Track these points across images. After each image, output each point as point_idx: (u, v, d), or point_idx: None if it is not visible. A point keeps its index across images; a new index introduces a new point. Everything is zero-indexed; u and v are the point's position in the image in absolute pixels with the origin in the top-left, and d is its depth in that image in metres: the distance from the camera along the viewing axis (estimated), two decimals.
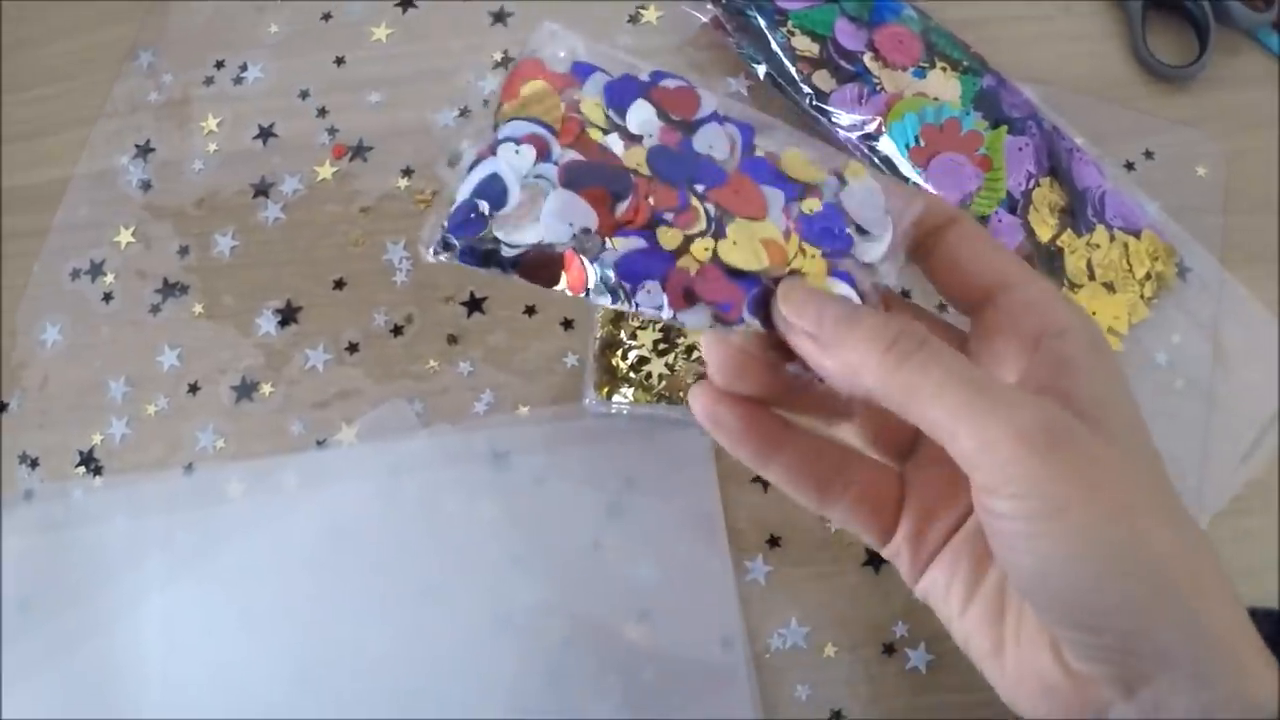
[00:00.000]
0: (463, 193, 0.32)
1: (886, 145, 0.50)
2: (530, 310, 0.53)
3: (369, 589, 0.51)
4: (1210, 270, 0.52)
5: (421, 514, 0.51)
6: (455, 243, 0.32)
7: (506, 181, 0.32)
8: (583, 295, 0.32)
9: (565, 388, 0.52)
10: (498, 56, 0.58)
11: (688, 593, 0.50)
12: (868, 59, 0.51)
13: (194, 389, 0.53)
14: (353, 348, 0.53)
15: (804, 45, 0.51)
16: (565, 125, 0.33)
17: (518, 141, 0.32)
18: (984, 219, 0.49)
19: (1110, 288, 0.50)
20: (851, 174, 0.32)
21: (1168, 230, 0.52)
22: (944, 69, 0.51)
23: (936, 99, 0.50)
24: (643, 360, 0.50)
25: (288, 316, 0.54)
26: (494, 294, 0.53)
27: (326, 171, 0.56)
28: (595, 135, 0.33)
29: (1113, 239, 0.51)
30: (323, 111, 0.57)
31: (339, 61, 0.58)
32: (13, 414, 0.54)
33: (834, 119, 0.51)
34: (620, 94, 0.33)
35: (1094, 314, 0.50)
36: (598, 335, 0.51)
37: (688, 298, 0.31)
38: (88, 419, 0.53)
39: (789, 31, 0.51)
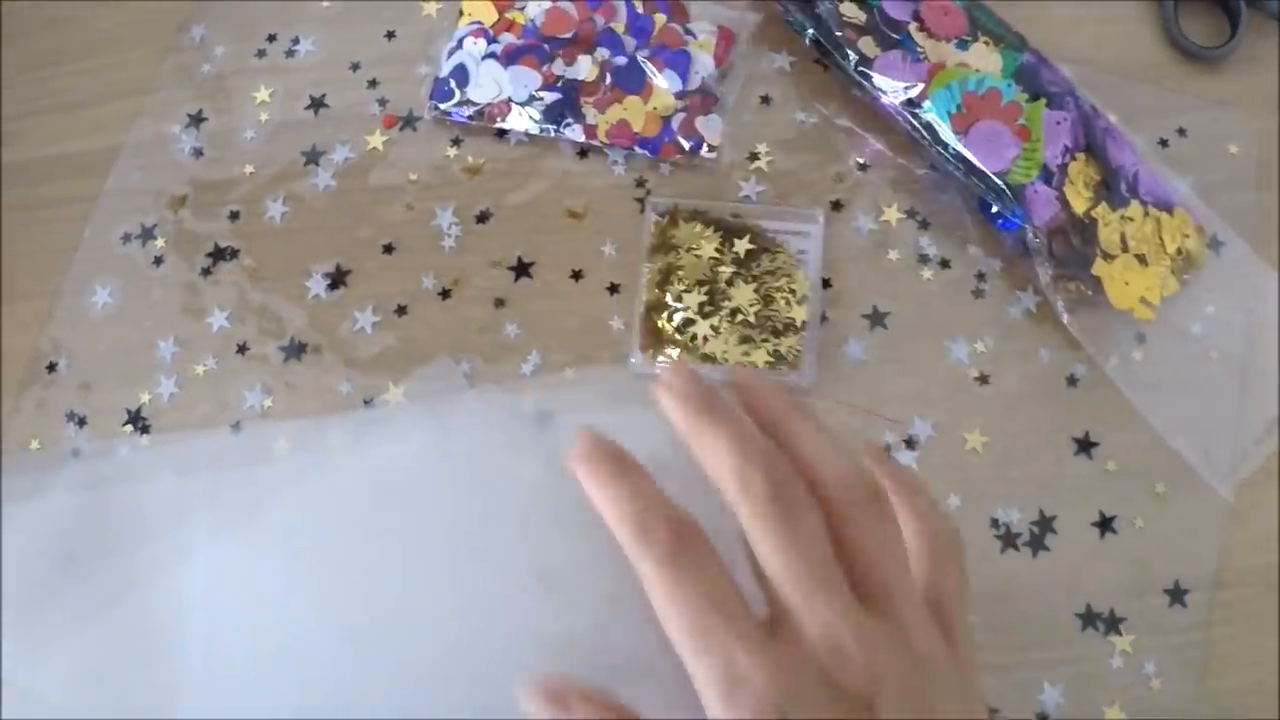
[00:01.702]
0: (441, 73, 0.57)
1: (928, 111, 0.51)
2: (576, 275, 0.54)
3: (414, 546, 0.51)
4: (1241, 247, 0.53)
5: (467, 472, 0.52)
6: (439, 106, 0.56)
7: (468, 68, 0.56)
8: (523, 133, 0.56)
9: (610, 350, 0.53)
10: None
11: (730, 548, 0.50)
12: (913, 28, 0.53)
13: (242, 349, 0.54)
14: (401, 310, 0.54)
15: (851, 13, 0.53)
16: (498, 23, 0.57)
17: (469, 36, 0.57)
18: (1021, 187, 0.50)
19: (1143, 260, 0.51)
20: None
21: (1198, 209, 0.53)
22: (986, 43, 0.53)
23: (978, 70, 0.52)
24: (688, 322, 0.51)
25: (337, 280, 0.55)
26: (541, 259, 0.54)
27: (377, 141, 0.57)
28: (518, 16, 0.57)
29: (1146, 214, 0.52)
30: (373, 83, 0.58)
31: (389, 35, 0.59)
32: (60, 374, 0.55)
33: (877, 84, 0.52)
34: None
35: (1127, 284, 0.51)
36: (644, 299, 0.52)
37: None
38: (136, 379, 0.54)
39: None
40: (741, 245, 0.52)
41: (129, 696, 0.50)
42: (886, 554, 0.33)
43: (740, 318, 0.51)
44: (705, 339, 0.51)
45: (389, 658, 0.50)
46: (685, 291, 0.52)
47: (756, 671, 0.31)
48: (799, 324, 0.51)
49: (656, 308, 0.52)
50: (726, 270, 0.52)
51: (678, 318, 0.51)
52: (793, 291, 0.52)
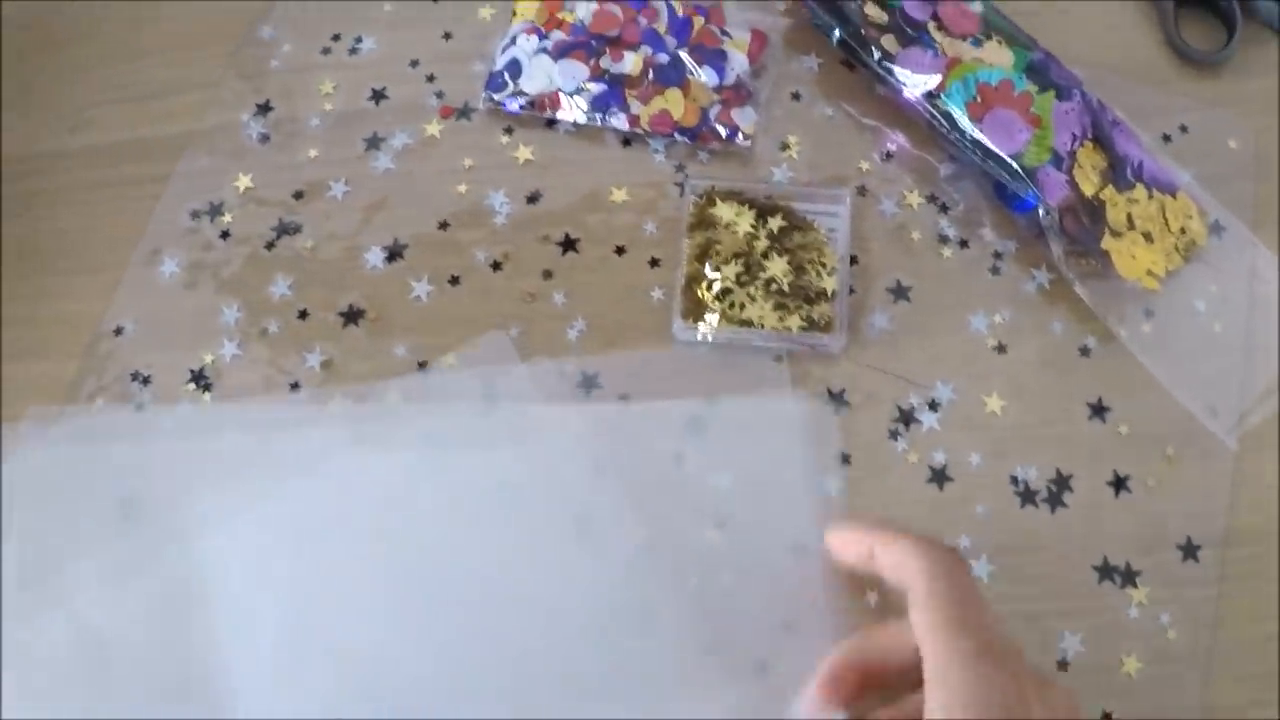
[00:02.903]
0: (496, 66, 0.61)
1: (947, 102, 0.56)
2: (620, 250, 0.58)
3: (460, 498, 0.53)
4: (1241, 230, 0.57)
5: (512, 429, 0.54)
6: (493, 96, 0.60)
7: (521, 61, 0.60)
8: (571, 123, 0.60)
9: (652, 319, 0.56)
10: None
11: (764, 502, 0.53)
12: (931, 27, 0.57)
13: (303, 315, 0.57)
14: (454, 280, 0.58)
15: (874, 13, 0.58)
16: (548, 22, 0.62)
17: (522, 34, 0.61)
18: (1034, 170, 0.54)
19: (1148, 237, 0.55)
20: None
21: (1200, 196, 0.58)
22: (999, 41, 0.57)
23: (992, 65, 0.56)
24: (726, 291, 0.55)
25: (394, 252, 0.58)
26: (586, 235, 0.58)
27: (434, 129, 0.61)
28: (568, 16, 0.62)
29: (1151, 197, 0.56)
30: (431, 78, 0.63)
31: (447, 36, 0.64)
32: (127, 336, 0.58)
33: (899, 77, 0.57)
34: None
35: (1134, 259, 0.54)
36: (684, 272, 0.56)
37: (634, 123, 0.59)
38: (200, 341, 0.57)
39: (862, 1, 0.58)
40: (775, 222, 0.56)
41: (175, 639, 0.52)
42: None
43: (775, 286, 0.55)
44: (742, 305, 0.54)
45: (431, 603, 0.53)
46: (723, 264, 0.55)
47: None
48: (830, 293, 0.55)
49: (696, 279, 0.55)
50: (762, 244, 0.55)
51: (716, 287, 0.55)
52: (823, 264, 0.55)
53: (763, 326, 0.54)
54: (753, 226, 0.56)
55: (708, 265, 0.55)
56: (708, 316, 0.54)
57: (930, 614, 0.37)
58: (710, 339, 0.55)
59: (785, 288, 0.55)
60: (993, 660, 0.35)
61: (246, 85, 0.64)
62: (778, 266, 0.55)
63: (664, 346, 0.56)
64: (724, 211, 0.56)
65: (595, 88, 0.59)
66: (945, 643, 0.36)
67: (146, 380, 0.57)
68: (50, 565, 0.53)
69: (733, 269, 0.55)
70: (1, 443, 0.55)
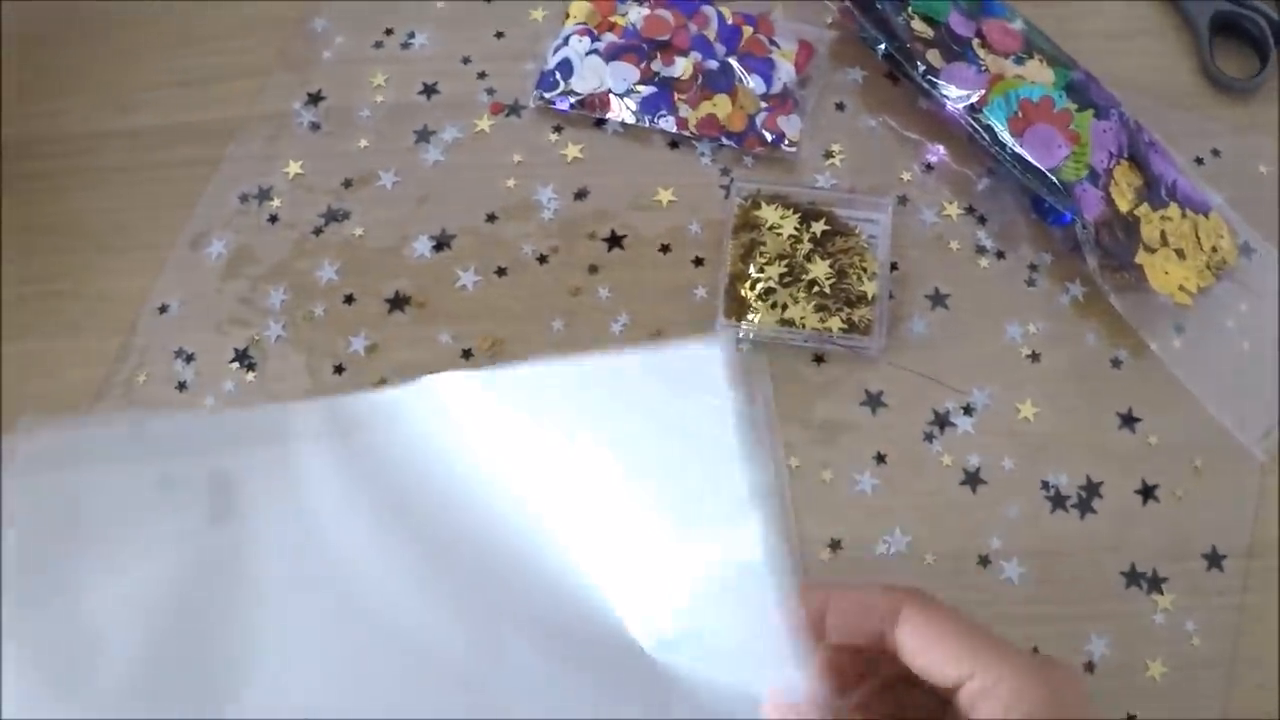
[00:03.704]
0: (548, 66, 0.62)
1: (988, 116, 0.57)
2: (664, 248, 0.59)
3: (498, 477, 0.53)
4: (1269, 253, 0.59)
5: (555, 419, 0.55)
6: (544, 95, 0.62)
7: (573, 62, 0.62)
8: (619, 123, 0.62)
9: (693, 314, 0.57)
10: None
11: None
12: (975, 44, 0.59)
13: (349, 300, 0.58)
14: (501, 271, 0.59)
15: (921, 28, 0.59)
16: (600, 24, 0.63)
17: (575, 35, 0.63)
18: (1071, 185, 0.56)
19: (1181, 254, 0.57)
20: None
21: (1231, 218, 0.59)
22: (1040, 60, 0.59)
23: (1033, 82, 0.58)
24: (769, 291, 0.56)
25: (442, 242, 0.59)
26: (632, 233, 0.59)
27: (484, 124, 0.63)
28: (620, 19, 0.63)
29: (1184, 216, 0.58)
30: (482, 75, 0.64)
31: (499, 35, 0.65)
32: (172, 315, 0.59)
33: (943, 91, 0.58)
34: None
35: (1167, 274, 0.56)
36: (728, 271, 0.57)
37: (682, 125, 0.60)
38: (245, 321, 0.58)
39: (909, 15, 0.59)
40: (818, 227, 0.57)
41: (214, 620, 0.52)
42: None
43: (817, 289, 0.56)
44: (785, 306, 0.56)
45: (463, 580, 0.52)
46: (767, 264, 0.56)
47: None
48: (870, 297, 0.56)
49: (740, 279, 0.56)
50: (805, 247, 0.57)
51: (759, 287, 0.56)
52: (864, 268, 0.56)
53: (804, 327, 0.55)
54: (796, 230, 0.57)
55: (752, 265, 0.56)
56: (750, 315, 0.56)
57: (957, 635, 0.34)
58: (752, 336, 0.56)
59: (826, 290, 0.56)
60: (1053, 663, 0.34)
61: (298, 75, 0.65)
62: (820, 269, 0.56)
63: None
64: (769, 214, 0.58)
65: (645, 90, 0.61)
66: (992, 651, 0.33)
67: (190, 358, 0.57)
68: (81, 548, 0.53)
69: (776, 269, 0.56)
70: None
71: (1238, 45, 0.64)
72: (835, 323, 0.55)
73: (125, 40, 0.67)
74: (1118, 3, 0.67)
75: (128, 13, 0.67)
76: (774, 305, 0.56)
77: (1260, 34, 0.63)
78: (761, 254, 0.57)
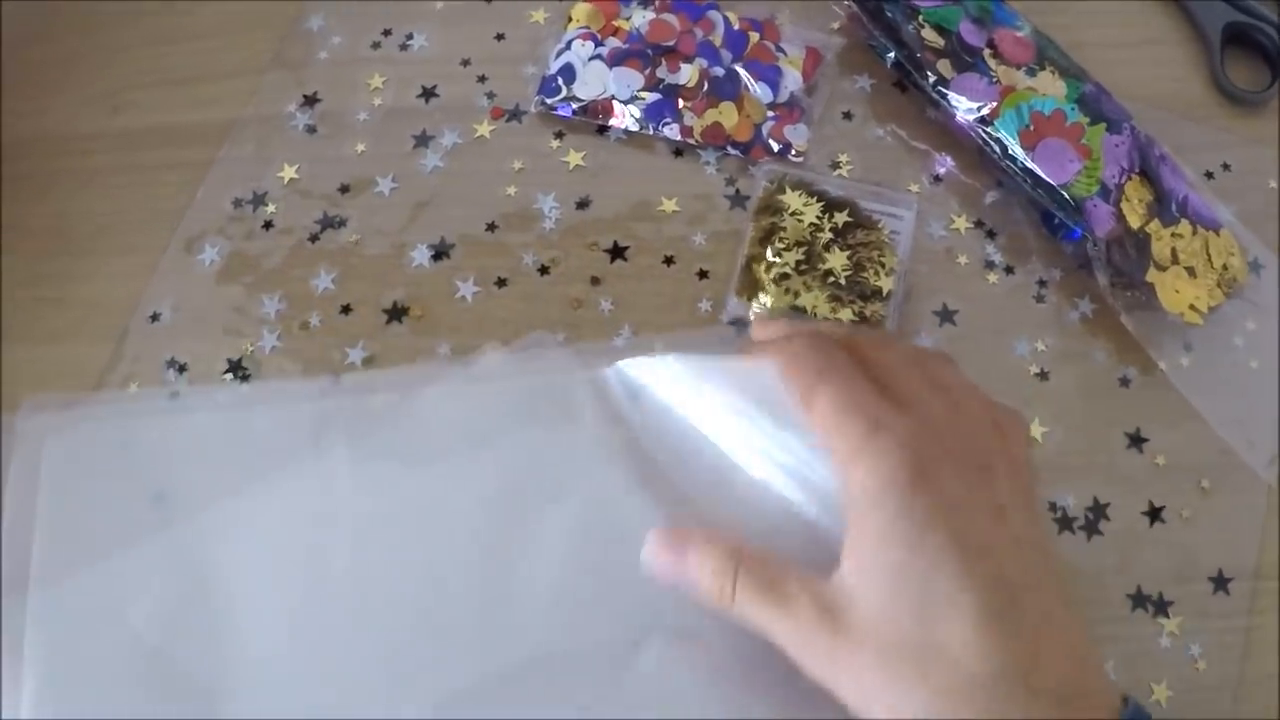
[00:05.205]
0: (550, 71, 0.61)
1: (999, 129, 0.56)
2: (669, 260, 0.58)
3: (501, 489, 0.52)
4: (1279, 270, 0.58)
5: (559, 420, 0.53)
6: (546, 101, 0.61)
7: (575, 67, 0.61)
8: (622, 130, 0.60)
9: (699, 328, 0.56)
10: None
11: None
12: (986, 54, 0.58)
13: (346, 310, 0.57)
14: (501, 282, 0.57)
15: (931, 37, 0.58)
16: (604, 28, 0.62)
17: (578, 39, 0.62)
18: (1082, 200, 0.55)
19: (1192, 272, 0.56)
20: None
21: (1241, 234, 0.59)
22: (1052, 72, 0.58)
23: (1045, 94, 0.57)
24: (784, 276, 0.55)
25: (441, 251, 0.58)
26: (635, 244, 0.58)
27: (484, 129, 0.61)
28: (624, 23, 0.62)
29: (1195, 233, 0.57)
30: (482, 78, 0.63)
31: (499, 37, 0.64)
32: (164, 323, 0.57)
33: (954, 102, 0.57)
34: None
35: (1178, 292, 0.55)
36: (745, 251, 0.56)
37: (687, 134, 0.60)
38: (239, 330, 0.57)
39: (919, 24, 0.58)
40: (840, 217, 0.56)
41: (212, 638, 0.51)
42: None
43: (832, 279, 0.55)
44: (797, 293, 0.55)
45: (453, 588, 0.51)
46: (785, 250, 0.56)
47: (897, 420, 0.34)
48: (885, 293, 0.55)
49: (756, 259, 0.56)
50: (825, 236, 0.56)
51: (774, 271, 0.55)
52: (882, 264, 0.56)
53: (815, 314, 0.55)
54: (818, 219, 0.56)
55: (769, 249, 0.56)
56: (762, 296, 0.55)
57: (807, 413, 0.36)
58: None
59: (842, 281, 0.55)
60: (886, 434, 0.34)
61: (293, 75, 0.63)
62: (838, 260, 0.56)
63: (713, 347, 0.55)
64: (792, 200, 0.57)
65: (649, 96, 0.60)
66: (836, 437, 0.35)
67: (183, 368, 0.56)
68: (78, 559, 0.52)
69: (793, 256, 0.56)
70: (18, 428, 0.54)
71: (1249, 57, 0.64)
72: (847, 314, 0.55)
73: (111, 37, 0.65)
74: (1126, 12, 0.66)
75: (117, 9, 0.65)
76: (787, 291, 0.55)
77: (1272, 45, 0.62)
78: (781, 239, 0.56)
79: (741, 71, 0.60)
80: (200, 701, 0.47)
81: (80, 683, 0.48)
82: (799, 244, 0.56)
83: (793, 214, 0.56)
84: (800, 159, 0.59)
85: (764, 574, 0.36)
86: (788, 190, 0.57)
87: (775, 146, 0.59)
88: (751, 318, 0.55)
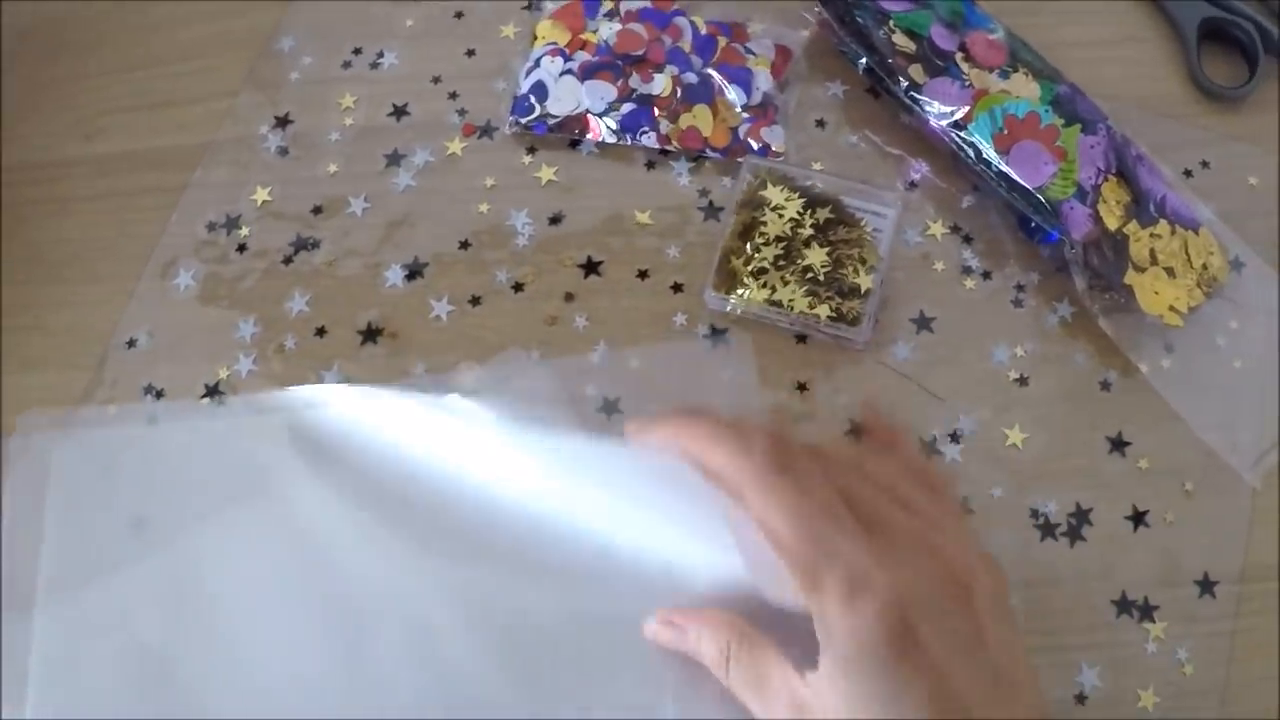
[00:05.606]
0: (521, 90, 0.61)
1: (973, 133, 0.56)
2: (643, 274, 0.58)
3: (480, 499, 0.51)
4: (1261, 268, 0.58)
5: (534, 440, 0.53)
6: (520, 120, 0.60)
7: (547, 84, 0.60)
8: (594, 144, 0.60)
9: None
10: None
11: None
12: (959, 58, 0.57)
13: (321, 332, 0.57)
14: (475, 300, 0.57)
15: (902, 42, 0.58)
16: (571, 43, 0.62)
17: (546, 56, 0.61)
18: (1058, 203, 0.55)
19: (1171, 273, 0.55)
20: None
21: (1221, 232, 0.58)
22: (1025, 73, 0.57)
23: (1019, 97, 0.56)
24: (761, 270, 0.55)
25: (414, 271, 0.58)
26: (609, 259, 0.58)
27: (456, 147, 0.61)
28: (591, 36, 0.62)
29: (1174, 232, 0.56)
30: (453, 95, 0.62)
31: (469, 53, 0.64)
32: (140, 349, 0.57)
33: (926, 107, 0.57)
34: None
35: (1157, 294, 0.55)
36: (724, 244, 0.56)
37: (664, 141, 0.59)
38: (215, 355, 0.56)
39: (890, 29, 0.58)
40: (822, 214, 0.56)
41: (198, 657, 0.50)
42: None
43: (811, 275, 0.55)
44: (774, 288, 0.55)
45: (441, 591, 0.51)
46: (764, 244, 0.55)
47: (876, 571, 0.34)
48: (863, 290, 0.55)
49: (735, 253, 0.56)
50: (805, 232, 0.56)
51: (753, 265, 0.55)
52: (863, 261, 0.55)
53: (791, 310, 0.54)
54: (799, 213, 0.56)
55: (749, 244, 0.56)
56: (739, 290, 0.55)
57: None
58: (739, 312, 0.55)
59: (821, 277, 0.55)
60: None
61: (265, 97, 0.63)
62: (817, 256, 0.55)
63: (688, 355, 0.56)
64: (773, 195, 0.57)
65: (625, 107, 0.59)
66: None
67: (160, 394, 0.56)
68: (67, 581, 0.52)
69: (771, 251, 0.55)
70: (5, 454, 0.54)
71: (1226, 52, 0.63)
72: (824, 310, 0.54)
73: (82, 62, 0.65)
74: (1101, 10, 0.65)
75: (84, 32, 0.65)
76: (764, 285, 0.55)
77: (1249, 41, 0.61)
78: (760, 234, 0.56)
79: (714, 74, 0.60)
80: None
81: (65, 706, 0.48)
82: (778, 239, 0.55)
83: (774, 208, 0.56)
84: (780, 159, 0.59)
85: (753, 668, 0.41)
86: (769, 185, 0.57)
87: (754, 146, 0.59)
88: (727, 310, 0.56)
